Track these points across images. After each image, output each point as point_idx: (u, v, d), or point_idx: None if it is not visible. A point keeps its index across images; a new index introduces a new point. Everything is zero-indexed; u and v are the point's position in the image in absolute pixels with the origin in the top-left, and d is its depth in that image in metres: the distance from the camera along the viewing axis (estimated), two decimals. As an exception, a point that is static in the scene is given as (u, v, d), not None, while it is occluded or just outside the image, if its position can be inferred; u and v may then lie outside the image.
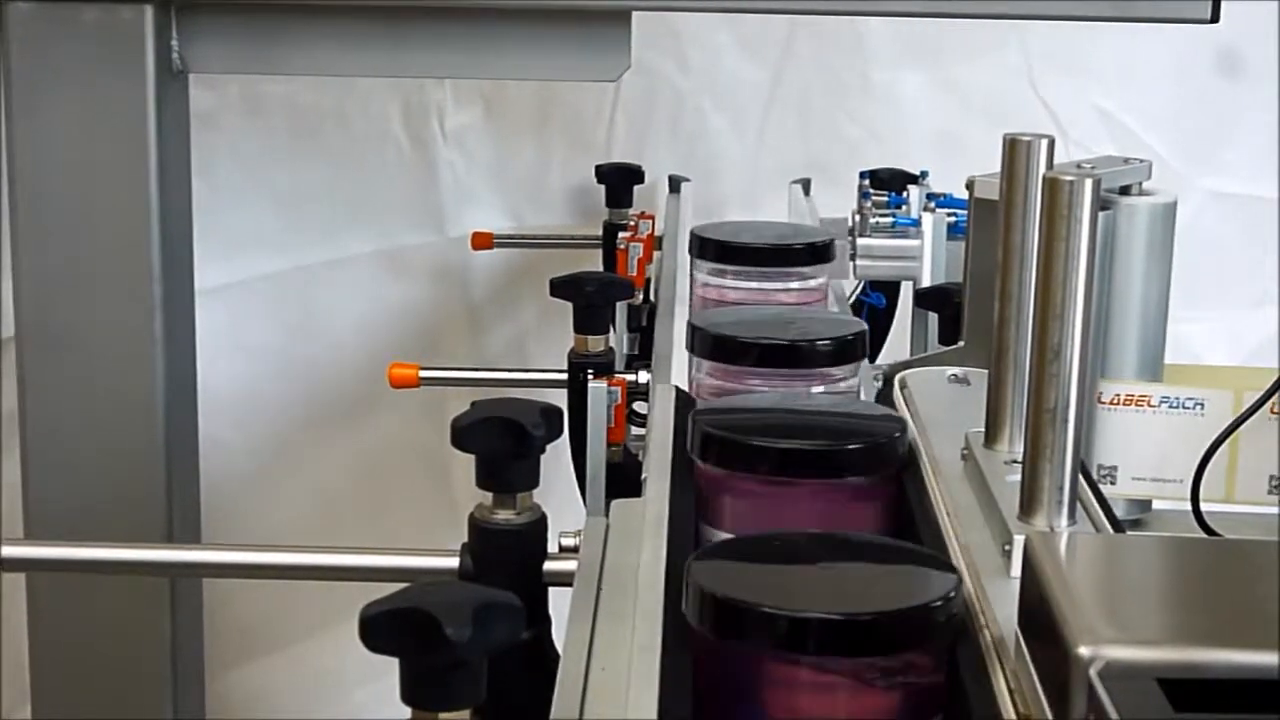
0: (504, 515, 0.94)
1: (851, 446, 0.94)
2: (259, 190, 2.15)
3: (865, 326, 1.17)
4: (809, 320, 1.21)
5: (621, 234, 1.53)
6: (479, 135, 2.18)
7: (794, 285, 1.35)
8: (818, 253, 1.36)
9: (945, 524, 0.91)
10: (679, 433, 1.06)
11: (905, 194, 1.68)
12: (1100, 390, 1.19)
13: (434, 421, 2.03)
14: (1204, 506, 1.13)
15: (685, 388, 1.17)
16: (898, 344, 1.74)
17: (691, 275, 1.40)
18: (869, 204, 1.68)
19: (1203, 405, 1.17)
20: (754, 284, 1.34)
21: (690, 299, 1.40)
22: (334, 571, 1.05)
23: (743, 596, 0.72)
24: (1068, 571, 0.71)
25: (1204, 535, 1.12)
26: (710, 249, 1.36)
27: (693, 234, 1.38)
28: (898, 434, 0.96)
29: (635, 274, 1.47)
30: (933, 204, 1.64)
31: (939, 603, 0.73)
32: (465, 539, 0.96)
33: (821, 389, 1.12)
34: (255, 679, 2.19)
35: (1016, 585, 0.75)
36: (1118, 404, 1.19)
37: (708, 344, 1.14)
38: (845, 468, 0.94)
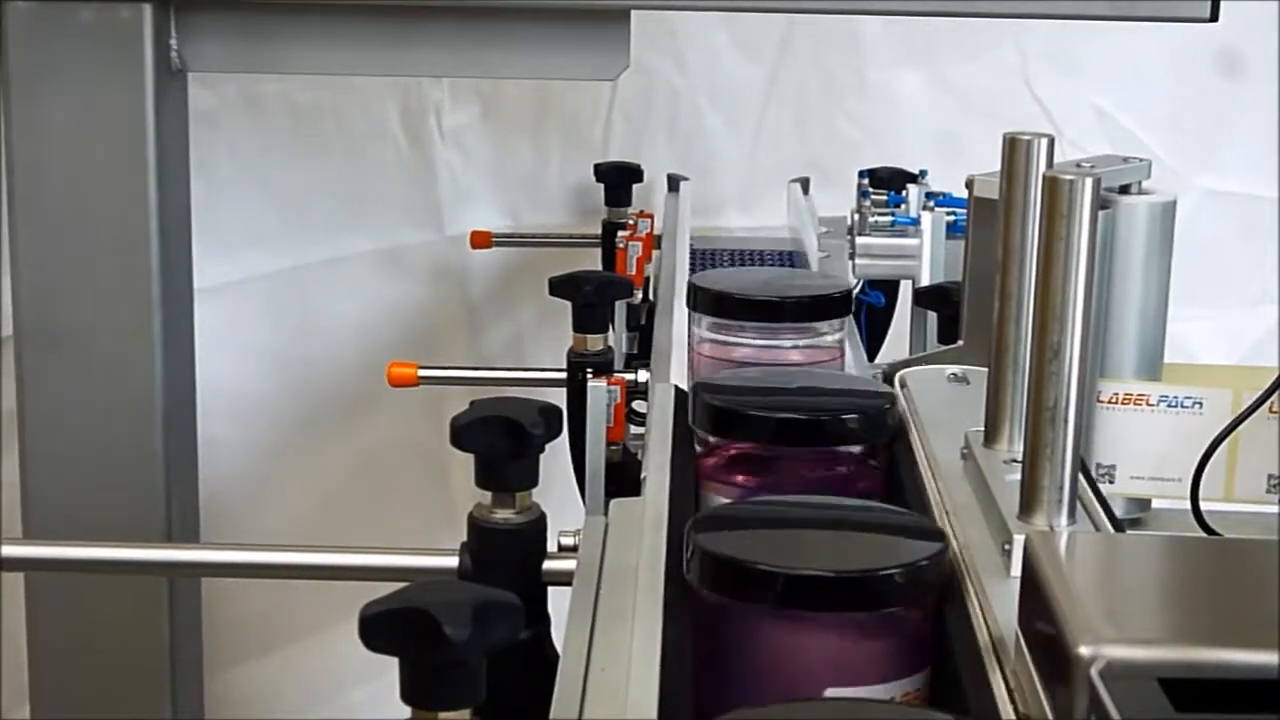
0: (503, 514, 0.94)
1: (887, 572, 0.78)
2: (258, 189, 2.15)
3: (896, 392, 1.07)
4: (829, 387, 1.09)
5: (620, 233, 1.53)
6: (477, 134, 2.18)
7: (805, 342, 1.21)
8: (833, 306, 1.23)
9: (945, 523, 0.91)
10: (678, 432, 1.06)
11: (904, 193, 1.68)
12: (1099, 389, 1.19)
13: (433, 421, 2.03)
14: (1203, 505, 1.13)
15: (684, 387, 1.17)
16: (897, 343, 1.74)
17: (690, 330, 1.26)
18: (868, 202, 1.68)
19: (1201, 404, 1.17)
20: (762, 341, 1.21)
21: (689, 356, 1.26)
22: (333, 571, 1.05)
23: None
24: (1068, 571, 0.71)
25: (1204, 534, 1.12)
26: (711, 302, 1.23)
27: (690, 284, 1.25)
28: (939, 552, 0.81)
29: (634, 273, 1.47)
30: (932, 203, 1.64)
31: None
32: (464, 538, 0.96)
33: (846, 470, 1.01)
34: (254, 678, 2.19)
35: (1016, 585, 0.75)
36: (1116, 403, 1.19)
37: (714, 418, 1.01)
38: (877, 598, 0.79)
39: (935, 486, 0.95)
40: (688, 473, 1.01)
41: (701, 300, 1.24)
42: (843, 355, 1.24)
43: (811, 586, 0.76)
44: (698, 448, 1.03)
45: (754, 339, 1.21)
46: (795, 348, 1.21)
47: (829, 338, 1.23)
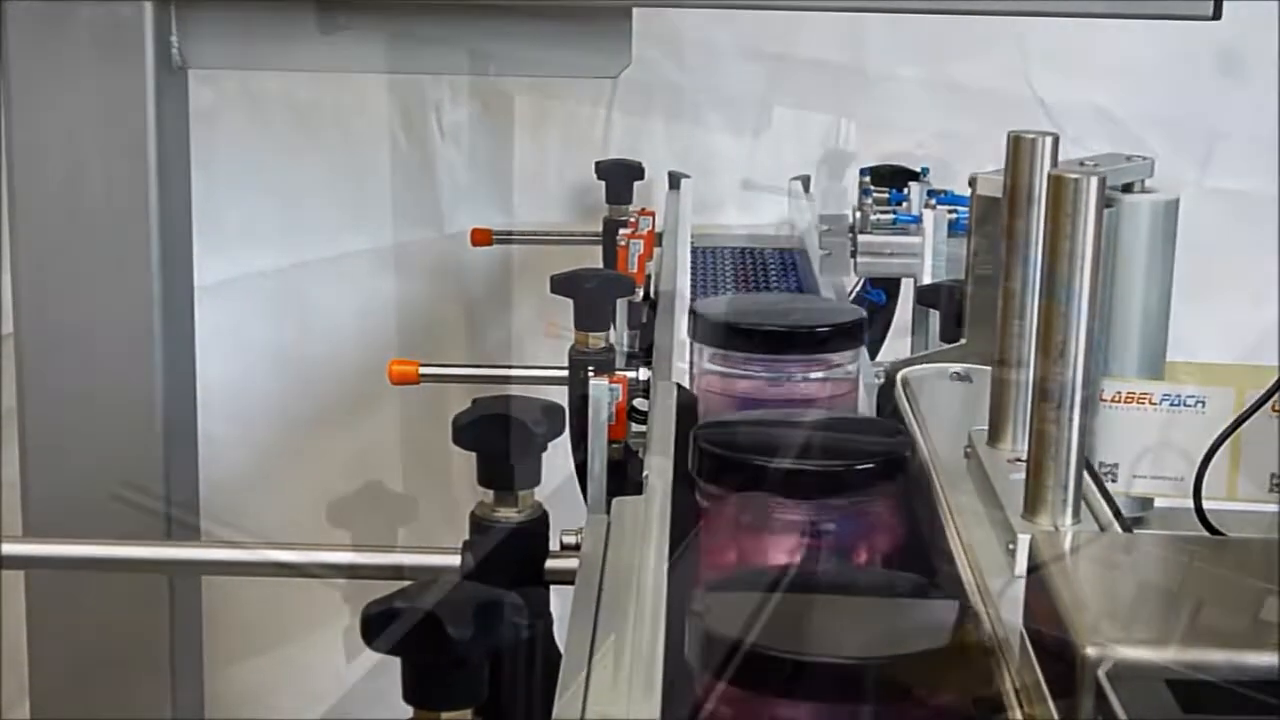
0: (505, 513, 0.94)
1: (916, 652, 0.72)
2: (258, 186, 2.14)
3: (915, 435, 1.00)
4: (844, 429, 1.01)
5: (622, 230, 1.53)
6: (477, 132, 2.18)
7: (816, 375, 1.11)
8: (846, 336, 1.13)
9: (948, 523, 0.90)
10: (680, 432, 1.06)
11: (906, 190, 1.68)
12: (1102, 388, 1.19)
13: (434, 419, 2.03)
14: (1206, 505, 1.13)
15: (686, 384, 1.17)
16: (899, 341, 1.73)
17: (690, 360, 1.17)
18: (870, 200, 1.68)
19: (1204, 403, 1.17)
20: (770, 374, 1.10)
21: (690, 385, 1.17)
22: (334, 570, 1.04)
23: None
24: (1073, 571, 0.71)
25: (1207, 534, 1.11)
26: (714, 332, 1.12)
27: (692, 311, 1.16)
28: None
29: (635, 271, 1.47)
30: (933, 201, 1.64)
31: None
32: (466, 537, 0.95)
33: (863, 521, 0.93)
34: (254, 676, 2.19)
35: (1021, 584, 0.75)
36: (1119, 401, 1.19)
37: (717, 467, 0.95)
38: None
39: (939, 485, 0.95)
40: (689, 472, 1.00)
41: (703, 329, 1.13)
42: (857, 388, 1.15)
43: (826, 673, 0.71)
44: (699, 499, 0.97)
45: (761, 372, 1.11)
46: (806, 380, 1.11)
47: (843, 369, 1.13)
